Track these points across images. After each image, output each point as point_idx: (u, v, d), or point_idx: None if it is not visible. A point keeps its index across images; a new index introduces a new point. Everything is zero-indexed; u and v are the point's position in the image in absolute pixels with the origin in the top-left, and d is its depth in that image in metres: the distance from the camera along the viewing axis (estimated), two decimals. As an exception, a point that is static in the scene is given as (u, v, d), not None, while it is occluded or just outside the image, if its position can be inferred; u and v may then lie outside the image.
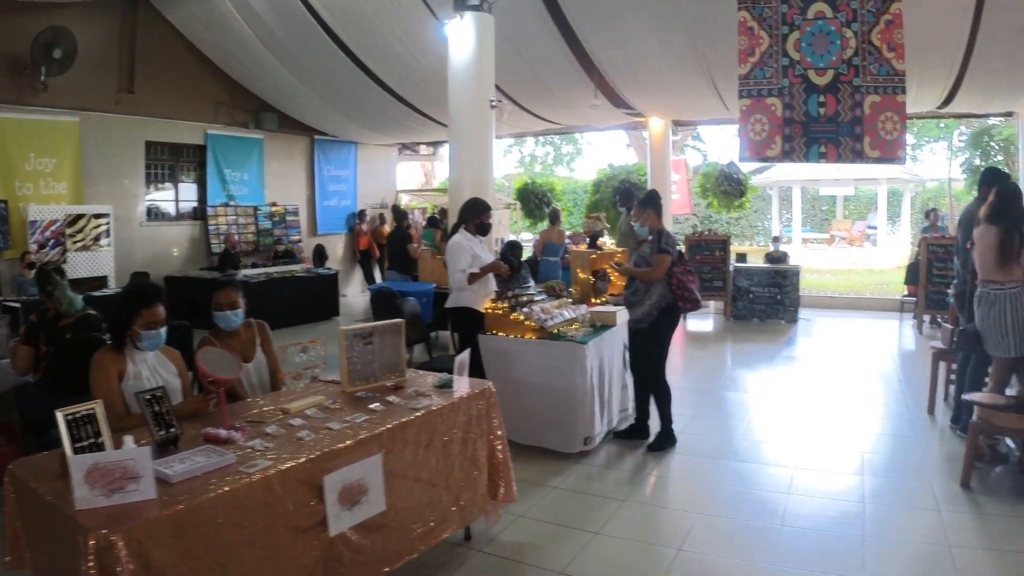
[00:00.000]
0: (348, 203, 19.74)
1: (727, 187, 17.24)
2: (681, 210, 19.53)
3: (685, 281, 6.79)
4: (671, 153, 17.27)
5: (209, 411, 4.27)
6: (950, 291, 8.18)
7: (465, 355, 4.98)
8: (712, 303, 15.49)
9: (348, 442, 3.84)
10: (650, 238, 7.01)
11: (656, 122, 16.74)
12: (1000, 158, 26.09)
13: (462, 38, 9.40)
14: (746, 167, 20.58)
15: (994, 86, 12.93)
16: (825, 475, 6.44)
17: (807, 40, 8.21)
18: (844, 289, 19.43)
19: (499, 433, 5.00)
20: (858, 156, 8.08)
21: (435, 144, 22.47)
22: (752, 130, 8.44)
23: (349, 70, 14.42)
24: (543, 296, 7.83)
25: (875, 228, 29.05)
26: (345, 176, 19.77)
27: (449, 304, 7.54)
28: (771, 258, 15.03)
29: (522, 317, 6.86)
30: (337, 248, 19.39)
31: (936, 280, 13.25)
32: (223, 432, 3.80)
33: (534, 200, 20.50)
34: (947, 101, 13.89)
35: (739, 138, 8.65)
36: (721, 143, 38.29)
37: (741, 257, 15.40)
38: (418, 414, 4.32)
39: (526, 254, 14.21)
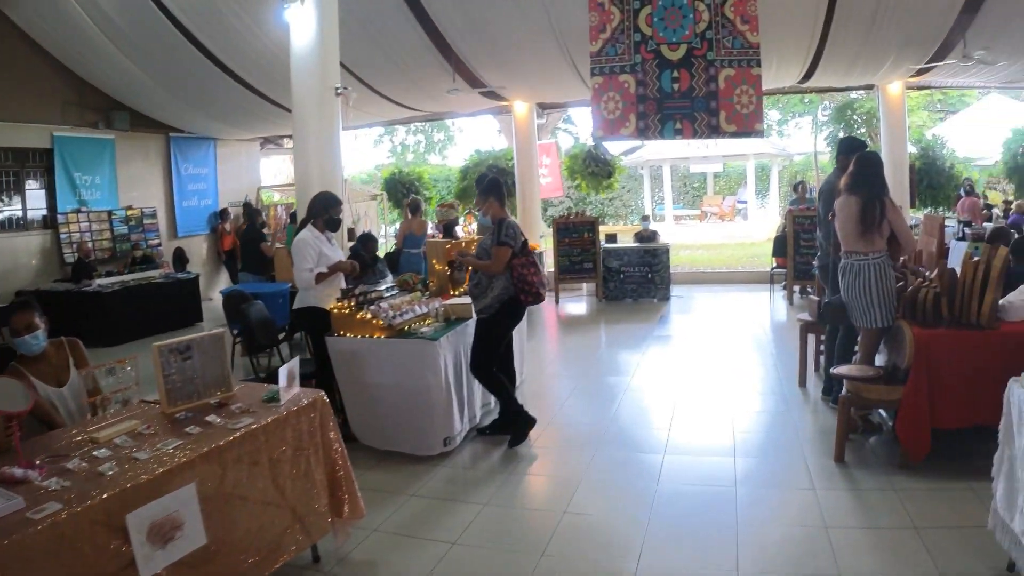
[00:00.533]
0: (209, 202, 18.90)
1: (594, 168, 17.03)
2: (554, 193, 19.45)
3: (525, 274, 6.50)
4: (537, 136, 17.07)
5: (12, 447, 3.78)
6: (815, 263, 8.10)
7: (292, 363, 4.56)
8: (584, 285, 15.37)
9: (155, 473, 3.42)
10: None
11: (520, 105, 16.50)
12: (863, 131, 26.78)
13: (304, 22, 8.92)
14: (616, 148, 20.51)
15: (853, 59, 13.09)
16: (697, 459, 6.27)
17: (659, 15, 8.00)
18: (716, 264, 19.73)
19: (337, 447, 4.59)
20: (714, 131, 7.92)
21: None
22: (605, 108, 8.20)
23: (200, 63, 13.66)
24: (395, 291, 7.45)
25: (745, 203, 29.65)
26: (204, 174, 18.90)
27: (296, 304, 7.20)
28: (641, 237, 14.93)
29: (369, 316, 6.45)
30: (201, 250, 18.59)
31: (804, 251, 13.35)
32: (18, 471, 3.35)
33: (402, 190, 20.04)
34: (808, 75, 14.01)
35: (592, 117, 8.42)
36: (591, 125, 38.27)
37: (611, 238, 15.26)
38: (237, 435, 3.90)
39: (391, 246, 13.85)
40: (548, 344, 11.49)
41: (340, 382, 6.58)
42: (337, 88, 9.05)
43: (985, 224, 13.17)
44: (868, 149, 7.15)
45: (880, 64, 13.31)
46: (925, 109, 28.88)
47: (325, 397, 4.60)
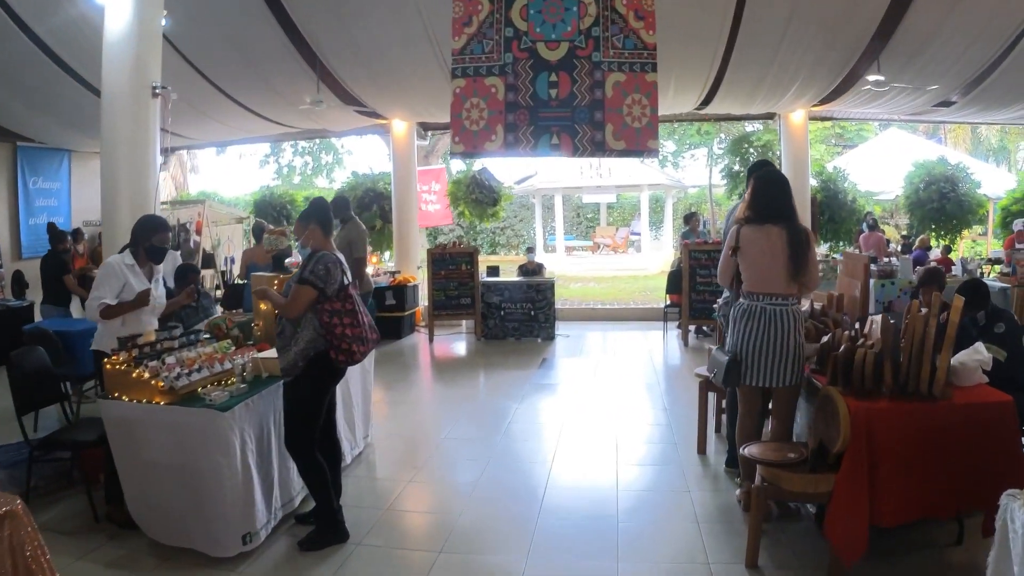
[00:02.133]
0: (61, 220, 16.88)
1: (478, 195, 15.72)
2: (443, 220, 18.45)
3: (334, 325, 4.99)
4: (428, 161, 15.85)
5: None
6: (716, 307, 6.77)
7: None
8: (464, 322, 14.03)
9: None
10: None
11: (399, 125, 15.20)
12: None
13: (119, 5, 7.42)
14: (506, 174, 19.44)
15: (756, 83, 12.36)
16: (568, 563, 4.88)
17: (536, 6, 6.40)
18: (608, 298, 19.00)
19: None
20: (599, 148, 6.32)
21: (165, 151, 20.01)
22: (468, 118, 6.56)
23: (43, 64, 11.76)
24: (205, 337, 5.93)
25: (639, 234, 29.37)
26: (56, 189, 17.01)
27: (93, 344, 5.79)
28: (525, 270, 13.75)
29: (147, 374, 4.93)
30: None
31: (700, 288, 12.33)
32: None
33: (272, 214, 18.47)
34: (706, 101, 13.14)
35: (452, 128, 6.80)
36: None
37: (492, 270, 14.04)
38: None
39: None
40: (412, 391, 10.10)
41: (116, 457, 5.02)
42: (155, 87, 7.54)
43: (892, 260, 12.41)
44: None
45: (785, 90, 12.47)
46: (823, 143, 28.64)
47: (22, 507, 3.11)
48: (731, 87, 12.32)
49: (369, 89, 12.81)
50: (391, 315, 13.43)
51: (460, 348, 12.99)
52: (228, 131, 15.84)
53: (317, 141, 36.85)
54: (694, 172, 36.51)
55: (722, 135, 31.50)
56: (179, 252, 12.55)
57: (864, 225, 15.38)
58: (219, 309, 7.84)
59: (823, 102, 13.49)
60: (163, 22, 7.95)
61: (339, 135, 21.13)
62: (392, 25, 10.52)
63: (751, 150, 27.01)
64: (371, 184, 16.78)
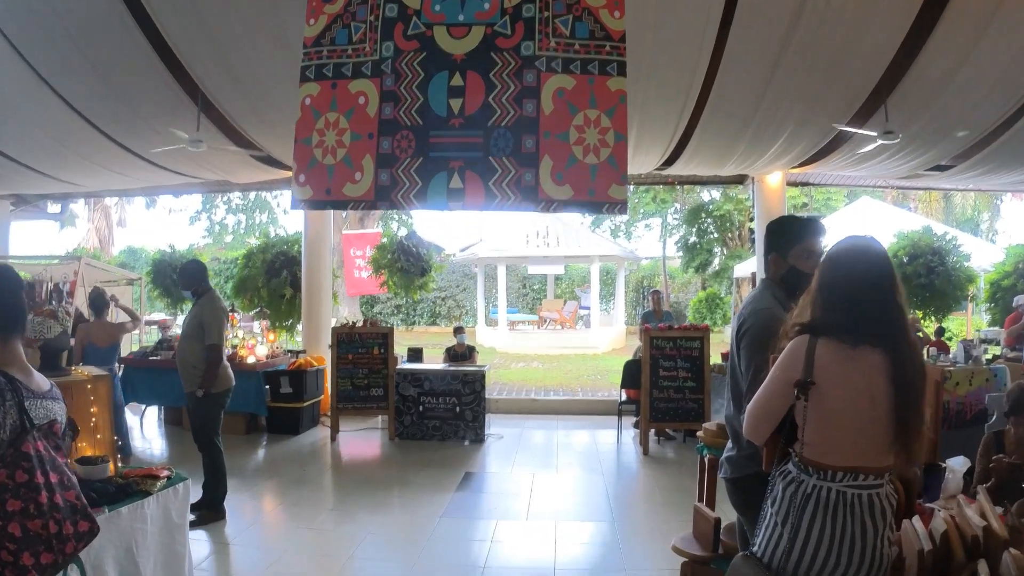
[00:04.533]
0: None
1: (404, 263, 13.42)
2: (375, 289, 16.28)
3: None
4: (362, 224, 13.65)
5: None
6: (723, 468, 3.94)
7: None
8: (380, 417, 11.55)
9: None
10: None
11: (313, 179, 12.95)
12: (715, 235, 25.12)
13: None
14: (446, 238, 17.38)
15: (736, 136, 10.37)
16: None
17: None
18: (553, 383, 16.88)
19: None
20: (529, 196, 3.61)
21: (63, 198, 17.74)
22: (320, 145, 3.87)
23: None
24: None
25: (588, 308, 27.49)
26: None
27: None
28: (453, 354, 11.49)
29: None
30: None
31: (663, 384, 10.13)
32: None
33: (171, 277, 16.07)
34: (670, 161, 11.41)
35: (296, 162, 4.14)
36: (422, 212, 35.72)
37: (415, 354, 11.70)
38: None
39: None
40: (276, 527, 7.54)
41: None
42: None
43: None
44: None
45: (768, 145, 10.48)
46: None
47: None
48: (704, 138, 10.25)
49: (264, 132, 10.47)
50: (287, 406, 10.99)
51: (368, 450, 10.55)
52: (122, 179, 13.58)
53: (252, 197, 35.09)
54: (647, 243, 35.18)
55: (677, 204, 30.04)
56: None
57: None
58: None
59: (806, 163, 11.60)
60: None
61: (252, 189, 18.97)
62: (283, 50, 8.26)
63: (708, 220, 25.56)
64: (284, 247, 14.50)
